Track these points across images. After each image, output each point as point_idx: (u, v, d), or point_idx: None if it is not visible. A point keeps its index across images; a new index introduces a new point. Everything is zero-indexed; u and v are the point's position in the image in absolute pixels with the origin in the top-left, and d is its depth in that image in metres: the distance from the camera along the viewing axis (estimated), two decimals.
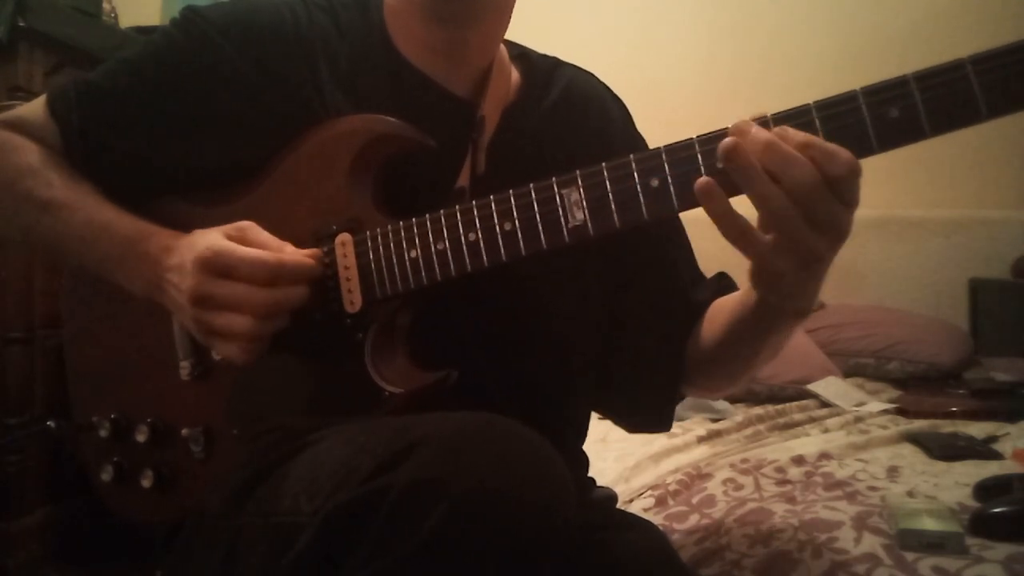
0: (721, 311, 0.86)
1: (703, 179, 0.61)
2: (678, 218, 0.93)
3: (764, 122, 0.62)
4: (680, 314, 0.91)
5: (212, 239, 0.73)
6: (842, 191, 0.59)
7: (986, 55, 0.56)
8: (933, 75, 0.58)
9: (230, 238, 0.73)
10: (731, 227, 0.61)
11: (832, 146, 0.58)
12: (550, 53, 0.97)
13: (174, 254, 0.75)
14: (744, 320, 0.79)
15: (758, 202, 0.60)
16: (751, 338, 0.80)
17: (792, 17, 2.79)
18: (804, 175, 0.58)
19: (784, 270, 0.63)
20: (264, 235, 0.75)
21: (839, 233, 0.61)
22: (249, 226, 0.75)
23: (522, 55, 0.93)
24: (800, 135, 0.59)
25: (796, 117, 0.61)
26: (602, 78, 0.99)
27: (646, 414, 0.95)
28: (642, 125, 1.00)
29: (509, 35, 0.92)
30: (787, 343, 0.82)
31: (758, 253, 0.63)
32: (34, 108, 0.86)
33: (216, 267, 0.71)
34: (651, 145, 0.67)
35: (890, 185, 2.61)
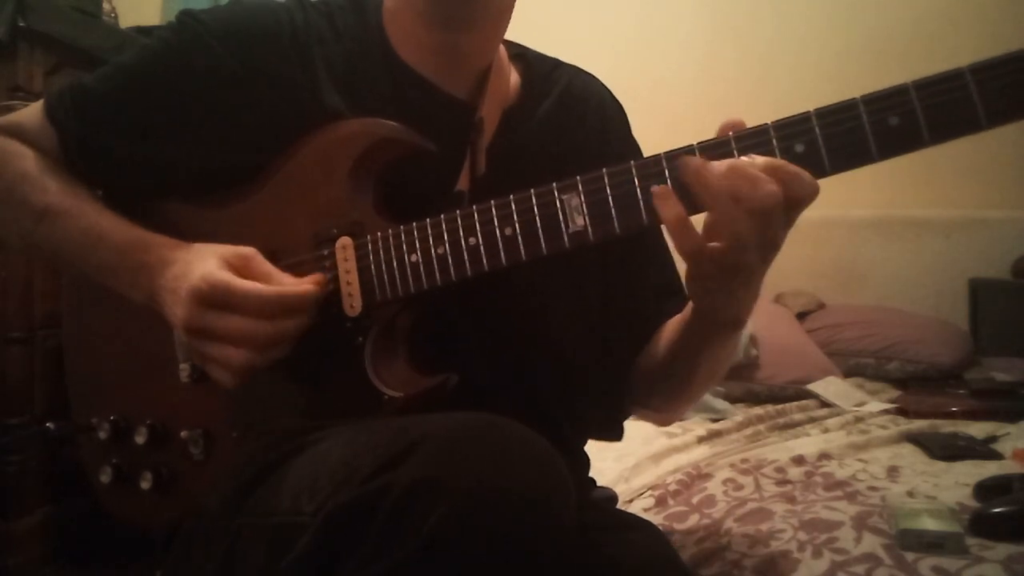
0: (670, 325, 0.88)
1: (662, 187, 0.63)
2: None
3: (764, 131, 0.62)
4: (634, 324, 0.93)
5: (209, 268, 0.72)
6: (794, 214, 0.62)
7: (985, 64, 0.57)
8: (933, 84, 0.58)
9: (231, 266, 0.73)
10: (684, 237, 0.64)
11: (797, 168, 0.60)
12: (550, 53, 0.97)
13: (170, 269, 0.74)
14: (684, 332, 0.82)
15: (719, 219, 0.61)
16: (689, 351, 0.82)
17: (793, 18, 2.79)
18: (770, 198, 0.60)
19: (715, 276, 0.66)
20: (266, 266, 0.74)
21: (775, 251, 0.64)
22: (252, 256, 0.74)
23: (520, 55, 0.93)
24: (765, 159, 0.61)
25: (796, 124, 0.61)
26: (602, 78, 0.99)
27: (597, 421, 0.97)
28: (643, 126, 0.99)
29: (509, 35, 0.92)
30: (726, 363, 0.86)
31: (695, 257, 0.65)
32: (31, 113, 0.86)
33: (211, 300, 0.70)
34: (650, 146, 0.67)
35: (890, 185, 2.61)
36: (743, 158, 0.61)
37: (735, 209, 0.60)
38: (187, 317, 0.71)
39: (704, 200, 0.62)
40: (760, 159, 0.61)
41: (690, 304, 0.80)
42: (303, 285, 0.73)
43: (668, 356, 0.87)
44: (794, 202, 0.61)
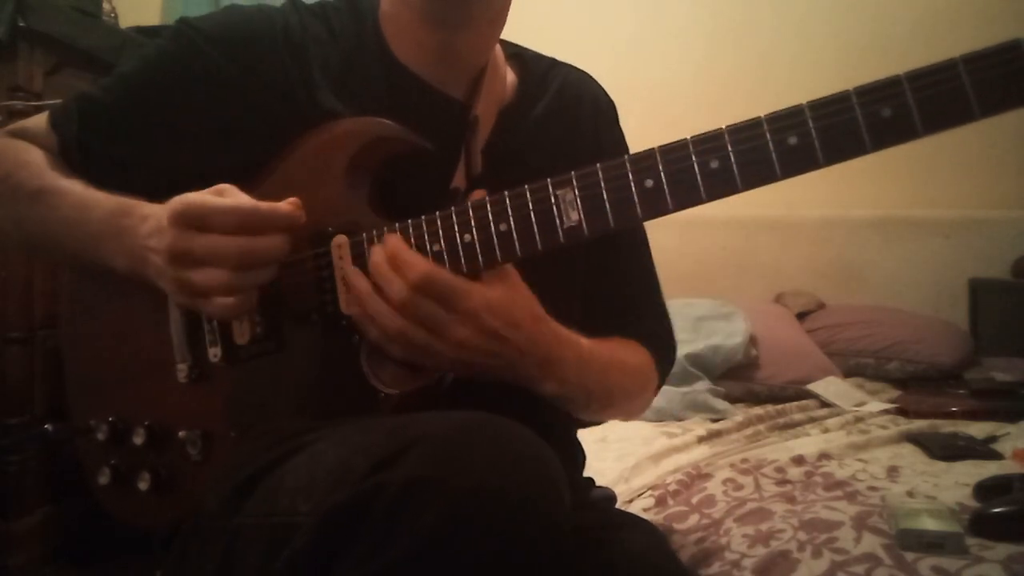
0: None
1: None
2: (645, 243, 0.98)
3: (757, 124, 0.62)
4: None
5: (186, 195, 0.72)
6: (435, 296, 0.67)
7: (978, 54, 0.57)
8: (925, 75, 0.58)
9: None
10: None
11: (410, 257, 0.69)
12: (550, 54, 0.98)
13: (150, 220, 0.75)
14: None
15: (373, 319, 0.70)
16: None
17: (791, 17, 2.79)
18: (393, 287, 0.68)
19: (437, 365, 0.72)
20: (243, 195, 0.74)
21: (454, 343, 0.69)
22: (228, 187, 0.74)
23: (516, 55, 0.94)
24: (389, 248, 0.70)
25: (789, 118, 0.61)
26: (602, 78, 0.99)
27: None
28: (642, 125, 1.00)
29: (509, 36, 0.92)
30: (618, 402, 0.89)
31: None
32: (37, 121, 0.88)
33: (189, 219, 0.70)
34: (649, 145, 0.67)
35: (890, 185, 2.61)
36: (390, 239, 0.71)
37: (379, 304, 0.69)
38: (170, 243, 0.71)
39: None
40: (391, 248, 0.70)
41: None
42: (280, 203, 0.74)
43: None
44: (415, 286, 0.67)
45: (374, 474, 0.56)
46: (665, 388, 1.03)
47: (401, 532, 0.53)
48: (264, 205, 0.72)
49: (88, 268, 0.86)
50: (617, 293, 0.94)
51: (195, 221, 0.71)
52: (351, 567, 0.55)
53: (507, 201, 0.70)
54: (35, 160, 0.84)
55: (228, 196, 0.73)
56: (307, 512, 0.59)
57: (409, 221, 0.74)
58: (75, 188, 0.82)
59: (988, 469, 1.33)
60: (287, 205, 0.73)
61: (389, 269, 0.69)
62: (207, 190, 0.74)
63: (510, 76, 0.91)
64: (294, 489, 0.63)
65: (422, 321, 0.68)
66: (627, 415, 0.97)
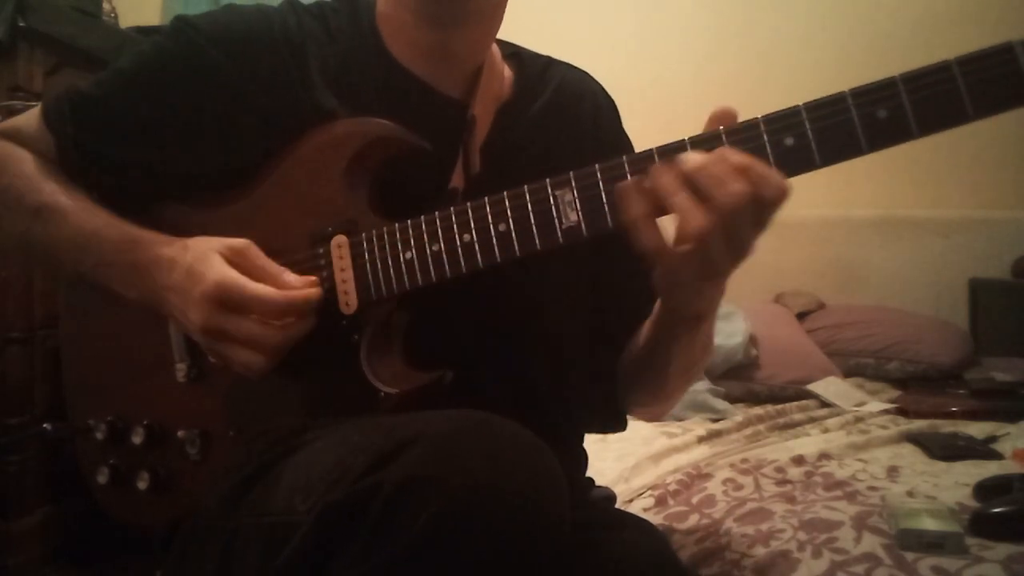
0: (646, 322, 0.89)
1: (623, 184, 0.64)
2: None
3: (755, 125, 0.62)
4: (626, 316, 0.93)
5: (218, 271, 0.72)
6: (764, 215, 0.61)
7: (972, 56, 0.57)
8: (920, 76, 0.59)
9: (231, 263, 0.73)
10: (649, 237, 0.64)
11: (768, 169, 0.60)
12: (551, 53, 0.97)
13: (175, 270, 0.75)
14: (653, 327, 0.84)
15: (682, 220, 0.62)
16: (659, 345, 0.84)
17: (792, 17, 2.79)
18: (735, 195, 0.59)
19: (687, 281, 0.68)
20: (263, 260, 0.75)
21: (745, 254, 0.65)
22: (246, 248, 0.75)
23: (514, 54, 0.94)
24: (739, 156, 0.61)
25: (786, 118, 0.62)
26: (602, 78, 0.99)
27: (596, 414, 0.97)
28: (642, 125, 0.99)
29: (510, 36, 0.92)
30: (700, 357, 0.87)
31: (658, 256, 0.65)
32: (29, 119, 0.87)
33: (226, 303, 0.72)
34: (650, 145, 0.67)
35: (890, 185, 2.61)
36: (715, 153, 0.61)
37: (698, 209, 0.60)
38: (204, 321, 0.72)
39: (665, 202, 0.62)
40: (734, 156, 0.61)
41: (660, 301, 0.81)
42: (307, 289, 0.74)
43: (644, 351, 0.88)
44: (763, 203, 0.60)
45: (371, 472, 0.56)
46: None
47: (399, 530, 0.53)
48: (299, 295, 0.73)
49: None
50: (632, 298, 0.94)
51: (235, 305, 0.72)
52: (348, 565, 0.55)
53: (506, 201, 0.70)
54: (32, 172, 0.84)
55: (250, 259, 0.74)
56: (305, 511, 0.59)
57: (409, 221, 0.74)
58: (77, 208, 0.82)
59: (988, 469, 1.34)
60: (318, 291, 0.74)
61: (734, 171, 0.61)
62: (229, 252, 0.74)
63: (507, 74, 0.91)
64: (292, 489, 0.63)
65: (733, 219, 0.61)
66: (684, 385, 0.95)
